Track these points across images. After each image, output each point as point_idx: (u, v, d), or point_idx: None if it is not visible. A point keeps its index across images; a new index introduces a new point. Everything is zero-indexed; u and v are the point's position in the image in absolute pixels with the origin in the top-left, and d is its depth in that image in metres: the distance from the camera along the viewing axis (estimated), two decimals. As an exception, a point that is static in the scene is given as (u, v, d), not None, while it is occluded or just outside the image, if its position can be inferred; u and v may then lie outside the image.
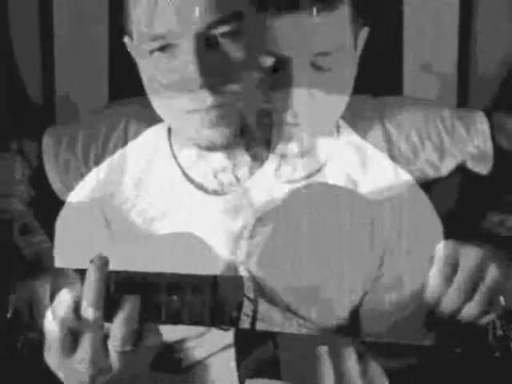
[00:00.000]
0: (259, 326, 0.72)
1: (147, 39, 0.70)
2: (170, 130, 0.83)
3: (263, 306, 0.75)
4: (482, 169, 0.84)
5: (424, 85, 1.09)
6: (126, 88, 1.04)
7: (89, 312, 0.64)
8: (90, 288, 0.63)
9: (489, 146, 0.83)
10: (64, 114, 1.05)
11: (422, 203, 0.81)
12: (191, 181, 0.81)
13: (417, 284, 0.75)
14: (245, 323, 0.71)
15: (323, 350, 0.75)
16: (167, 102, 0.73)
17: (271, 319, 0.78)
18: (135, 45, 0.74)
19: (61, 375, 0.67)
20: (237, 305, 0.66)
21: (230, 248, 0.78)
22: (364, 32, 0.78)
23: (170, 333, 0.80)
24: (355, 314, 0.80)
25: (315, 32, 0.71)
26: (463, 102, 1.09)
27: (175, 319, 0.66)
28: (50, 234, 0.82)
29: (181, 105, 0.72)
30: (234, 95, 0.71)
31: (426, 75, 1.08)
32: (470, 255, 0.70)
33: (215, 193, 0.80)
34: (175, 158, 0.82)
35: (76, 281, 0.66)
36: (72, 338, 0.64)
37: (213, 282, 0.65)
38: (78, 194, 0.83)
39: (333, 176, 0.80)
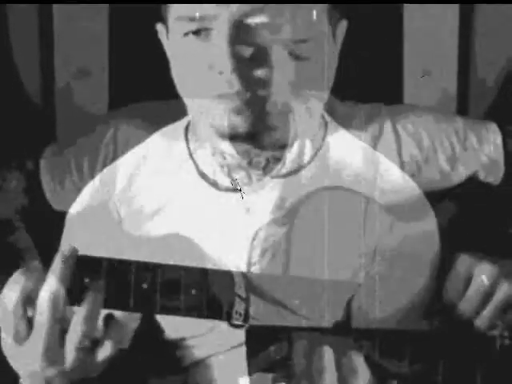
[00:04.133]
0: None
1: (184, 20, 0.72)
2: (187, 128, 0.84)
3: (255, 304, 0.75)
4: (493, 179, 0.85)
5: (424, 92, 1.09)
6: (126, 90, 1.06)
7: (48, 301, 0.64)
8: (54, 278, 0.64)
9: (500, 157, 0.84)
10: (64, 116, 1.06)
11: (423, 211, 0.81)
12: (205, 177, 0.81)
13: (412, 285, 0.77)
14: (237, 321, 0.71)
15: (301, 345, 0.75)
16: (195, 87, 0.74)
17: (263, 317, 0.77)
18: (169, 28, 0.76)
19: (13, 363, 0.68)
20: (228, 302, 0.66)
21: (243, 248, 0.78)
22: (342, 25, 0.79)
23: (171, 330, 0.81)
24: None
25: (291, 19, 0.71)
26: (463, 109, 1.09)
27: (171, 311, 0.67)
28: (37, 239, 0.83)
29: (208, 89, 0.73)
30: (261, 84, 0.72)
31: (426, 82, 1.08)
32: (483, 271, 0.73)
33: (227, 189, 0.80)
34: (191, 154, 0.83)
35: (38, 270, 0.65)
36: (27, 324, 0.65)
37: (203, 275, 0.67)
38: (81, 202, 0.83)
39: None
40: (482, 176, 0.84)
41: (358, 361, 0.76)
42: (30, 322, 0.65)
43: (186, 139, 0.84)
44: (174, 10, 0.74)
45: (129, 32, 1.06)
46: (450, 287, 0.75)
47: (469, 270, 0.74)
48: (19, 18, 1.04)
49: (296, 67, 0.73)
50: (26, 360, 0.66)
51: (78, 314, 0.65)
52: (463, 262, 0.74)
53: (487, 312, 0.73)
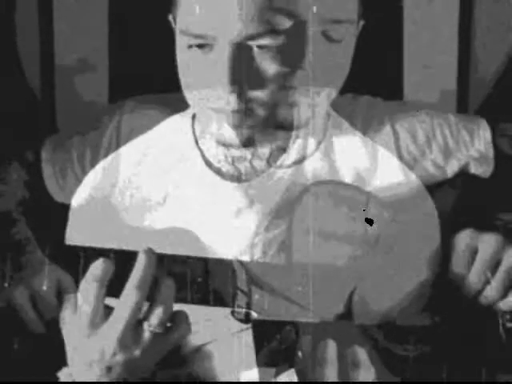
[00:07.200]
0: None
1: (187, 35, 0.73)
2: (194, 116, 0.86)
3: (256, 297, 0.76)
4: (484, 172, 0.87)
5: (424, 89, 1.09)
6: (127, 81, 1.05)
7: (132, 292, 0.66)
8: (139, 273, 0.67)
9: (490, 152, 0.86)
10: (64, 108, 1.05)
11: (424, 202, 0.83)
12: (209, 165, 0.83)
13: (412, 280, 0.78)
14: (239, 315, 0.72)
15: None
16: (196, 96, 0.77)
17: (264, 310, 0.77)
18: (176, 35, 0.77)
19: (74, 351, 0.68)
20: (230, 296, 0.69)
21: (246, 242, 0.79)
22: (360, 23, 0.80)
23: None
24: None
25: None
26: (463, 105, 1.10)
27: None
28: (38, 232, 0.83)
29: (207, 102, 0.75)
30: (259, 103, 0.74)
31: (426, 79, 1.09)
32: (488, 241, 0.75)
33: (232, 178, 0.82)
34: (196, 142, 0.84)
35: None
36: (104, 311, 0.66)
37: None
38: (84, 192, 0.84)
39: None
40: (472, 169, 0.86)
41: (362, 354, 0.77)
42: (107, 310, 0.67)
43: (193, 128, 0.85)
44: (179, 21, 0.75)
45: (130, 22, 1.05)
46: (456, 262, 0.76)
47: (473, 241, 0.75)
48: (20, 11, 1.04)
49: (327, 48, 0.74)
50: (100, 343, 0.67)
51: (155, 302, 0.67)
52: (467, 235, 0.76)
53: (496, 280, 0.74)
